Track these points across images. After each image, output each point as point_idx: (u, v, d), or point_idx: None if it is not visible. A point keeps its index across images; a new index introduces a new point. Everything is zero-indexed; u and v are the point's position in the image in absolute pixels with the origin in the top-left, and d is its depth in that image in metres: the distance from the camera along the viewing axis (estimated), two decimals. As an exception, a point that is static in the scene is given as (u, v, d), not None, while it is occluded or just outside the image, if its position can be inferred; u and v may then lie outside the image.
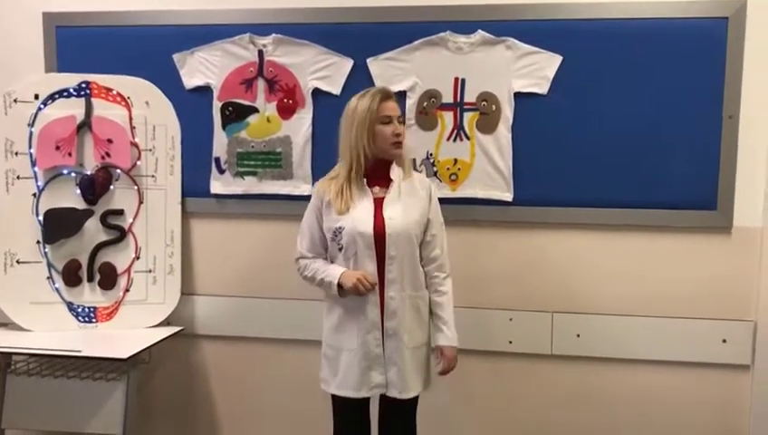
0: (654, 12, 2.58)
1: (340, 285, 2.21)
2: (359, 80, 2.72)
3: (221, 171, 2.89)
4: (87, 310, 2.82)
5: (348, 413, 2.35)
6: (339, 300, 2.27)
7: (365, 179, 2.28)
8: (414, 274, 2.28)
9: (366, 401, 2.32)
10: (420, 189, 2.32)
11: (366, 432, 2.43)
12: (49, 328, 2.76)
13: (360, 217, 2.23)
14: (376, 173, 2.29)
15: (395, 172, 2.31)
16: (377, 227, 2.22)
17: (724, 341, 2.67)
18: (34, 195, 2.76)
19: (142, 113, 2.83)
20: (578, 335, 2.75)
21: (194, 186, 2.91)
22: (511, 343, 2.80)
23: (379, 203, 2.26)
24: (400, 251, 2.23)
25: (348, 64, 2.77)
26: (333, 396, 2.34)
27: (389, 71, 2.75)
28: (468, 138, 2.73)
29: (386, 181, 2.29)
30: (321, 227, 2.32)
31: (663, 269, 2.69)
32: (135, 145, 2.82)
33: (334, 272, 2.24)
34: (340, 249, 2.26)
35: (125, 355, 2.45)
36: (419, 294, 2.31)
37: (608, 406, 2.78)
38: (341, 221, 2.23)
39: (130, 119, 2.81)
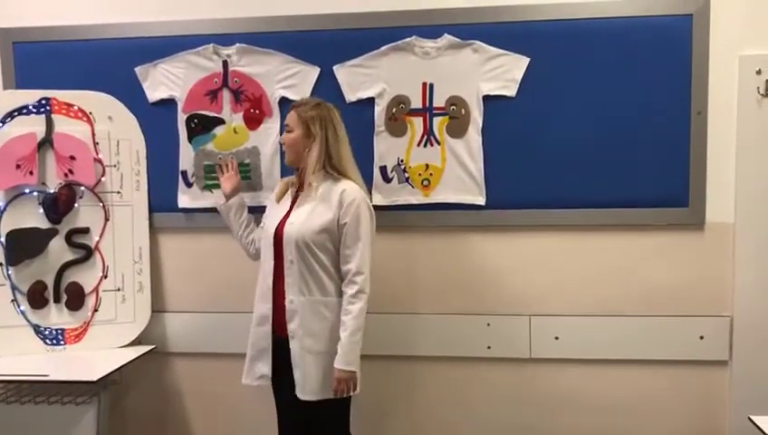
0: (619, 11, 2.58)
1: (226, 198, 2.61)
2: (326, 88, 2.70)
3: (188, 185, 2.84)
4: (54, 332, 2.74)
5: (278, 404, 2.47)
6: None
7: (297, 185, 2.42)
8: (316, 279, 2.29)
9: (299, 401, 2.30)
10: (334, 198, 2.29)
11: (305, 425, 2.40)
12: (15, 352, 2.67)
13: (272, 218, 2.40)
14: (302, 178, 2.39)
15: (317, 178, 2.32)
16: (278, 230, 2.33)
17: (702, 337, 2.67)
18: (-4, 216, 2.69)
19: (105, 128, 2.77)
20: (556, 338, 2.73)
21: (161, 201, 2.85)
22: (489, 348, 2.77)
23: (293, 206, 2.37)
24: (295, 257, 2.27)
25: (314, 72, 2.73)
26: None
27: (357, 78, 2.72)
28: (439, 142, 2.71)
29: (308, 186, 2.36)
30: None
31: (637, 268, 2.69)
32: (99, 161, 2.76)
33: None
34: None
35: (95, 377, 2.39)
36: (325, 299, 2.30)
37: (589, 408, 2.77)
38: (264, 219, 2.48)
39: (93, 134, 2.75)
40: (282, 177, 2.75)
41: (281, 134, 2.73)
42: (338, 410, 2.36)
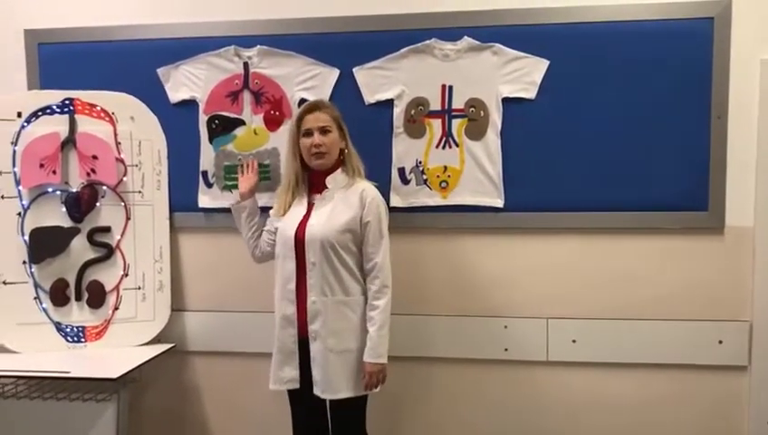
0: (639, 14, 2.58)
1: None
2: (345, 89, 2.72)
3: (209, 185, 2.86)
4: (76, 330, 2.77)
5: (294, 409, 2.46)
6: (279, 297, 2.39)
7: (306, 187, 2.42)
8: (339, 280, 2.30)
9: (318, 399, 2.34)
10: (354, 197, 2.33)
11: (321, 431, 2.44)
12: (37, 349, 2.71)
13: (289, 220, 2.37)
14: (315, 181, 2.40)
15: (333, 180, 2.36)
16: (299, 232, 2.32)
17: (720, 342, 2.65)
18: (19, 214, 2.72)
19: (127, 129, 2.80)
20: (574, 341, 2.73)
21: (181, 200, 2.88)
22: (506, 350, 2.77)
23: (311, 209, 2.35)
24: (318, 257, 2.28)
25: (334, 74, 2.75)
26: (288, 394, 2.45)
27: (376, 80, 2.73)
28: (457, 144, 2.72)
29: (324, 189, 2.38)
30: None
31: (656, 271, 2.67)
32: (121, 161, 2.79)
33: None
34: (277, 250, 2.41)
35: (115, 375, 2.41)
36: (347, 299, 2.32)
37: (606, 411, 2.76)
38: (278, 222, 2.42)
39: (115, 134, 2.79)
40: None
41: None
42: (357, 409, 2.38)
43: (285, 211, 2.40)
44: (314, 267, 2.29)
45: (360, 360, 2.32)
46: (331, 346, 2.29)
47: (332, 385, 2.30)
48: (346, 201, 2.33)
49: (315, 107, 2.38)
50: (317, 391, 2.32)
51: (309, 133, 2.34)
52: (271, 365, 2.42)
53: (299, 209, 2.39)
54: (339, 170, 2.39)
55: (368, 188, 2.36)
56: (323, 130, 2.33)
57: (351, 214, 2.30)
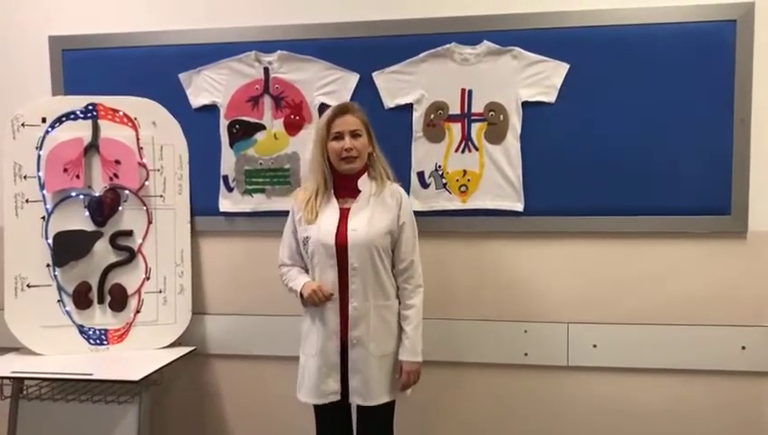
0: (659, 17, 2.56)
1: (302, 295, 2.31)
2: (365, 94, 2.72)
3: (229, 189, 2.88)
4: (98, 332, 2.80)
5: (324, 420, 2.40)
6: (307, 307, 2.35)
7: (332, 191, 2.34)
8: (380, 284, 2.30)
9: (344, 408, 2.35)
10: (390, 199, 2.33)
11: None
12: (60, 352, 2.74)
13: (324, 227, 2.29)
14: (343, 185, 2.34)
15: (365, 183, 2.34)
16: (339, 238, 2.26)
17: (743, 347, 2.62)
18: (43, 218, 2.76)
19: (149, 133, 2.83)
20: (594, 346, 2.71)
21: (202, 204, 2.90)
22: (526, 355, 2.76)
23: (345, 214, 2.30)
24: (363, 262, 2.25)
25: (354, 79, 2.76)
26: (315, 404, 2.37)
27: (395, 84, 2.74)
28: (477, 148, 2.72)
29: (355, 192, 2.33)
30: (296, 237, 2.40)
31: (679, 276, 2.65)
32: (143, 165, 2.82)
33: (299, 281, 2.34)
34: (310, 258, 2.34)
35: (137, 377, 2.44)
36: (387, 303, 2.32)
37: (626, 417, 2.74)
38: (309, 231, 2.32)
39: (138, 139, 2.81)
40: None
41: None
42: (389, 414, 2.37)
43: (317, 216, 2.31)
44: (356, 273, 2.25)
45: (394, 362, 2.33)
46: (373, 351, 2.28)
47: (372, 391, 2.28)
48: (383, 204, 2.31)
49: (346, 110, 2.32)
50: (356, 400, 2.30)
51: (339, 137, 2.27)
52: (303, 377, 2.36)
53: (331, 214, 2.31)
54: (365, 174, 2.36)
55: (398, 189, 2.37)
56: (354, 134, 2.28)
57: (391, 216, 2.30)
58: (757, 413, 2.66)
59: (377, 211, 2.30)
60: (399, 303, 2.36)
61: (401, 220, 2.32)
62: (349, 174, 2.32)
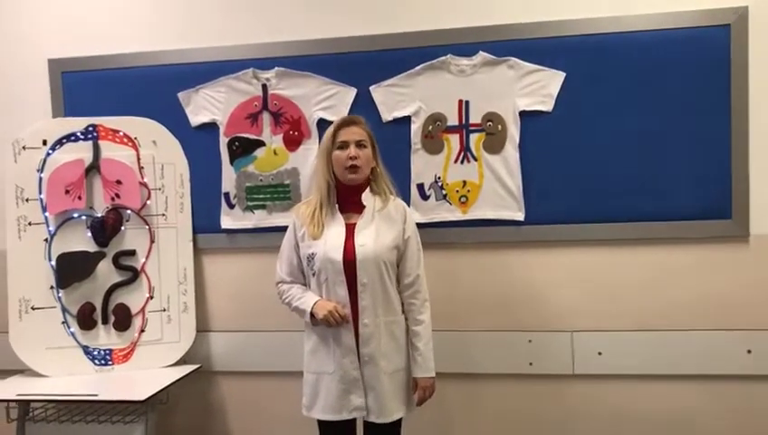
0: (654, 23, 2.57)
1: (313, 314, 2.25)
2: (363, 108, 2.73)
3: (231, 206, 2.89)
4: (103, 353, 2.81)
5: (325, 430, 2.37)
6: (316, 325, 2.30)
7: (336, 206, 2.31)
8: (388, 299, 2.28)
9: (349, 425, 2.34)
10: (395, 214, 2.32)
11: None
12: (66, 373, 2.75)
13: (331, 243, 2.25)
14: (347, 199, 2.32)
15: (368, 198, 2.32)
16: (347, 254, 2.23)
17: (749, 351, 2.61)
18: (46, 240, 2.77)
19: (150, 153, 2.84)
20: (599, 353, 2.70)
21: (204, 222, 2.91)
22: (531, 364, 2.75)
23: (351, 229, 2.28)
24: (372, 278, 2.24)
25: (351, 93, 2.78)
26: (318, 421, 2.35)
27: (393, 97, 2.75)
28: (476, 159, 2.72)
29: (358, 207, 2.31)
30: (298, 253, 2.36)
31: (682, 282, 2.65)
32: (144, 185, 2.83)
33: (309, 300, 2.29)
34: (314, 274, 2.30)
35: (142, 397, 2.44)
36: (395, 319, 2.31)
37: (633, 424, 2.73)
38: (314, 247, 2.28)
39: (138, 159, 2.83)
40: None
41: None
42: (397, 429, 2.36)
43: (322, 232, 2.28)
44: (365, 289, 2.23)
45: (406, 378, 2.32)
46: (384, 367, 2.26)
47: (386, 408, 2.26)
48: (388, 219, 2.30)
49: (351, 121, 2.33)
50: (371, 417, 2.27)
51: (344, 146, 2.26)
52: (317, 395, 2.31)
53: (336, 230, 2.28)
54: (368, 189, 2.34)
55: (400, 204, 2.37)
56: (359, 144, 2.27)
57: (396, 230, 2.30)
58: (764, 417, 2.65)
59: (383, 226, 2.29)
60: (406, 318, 2.35)
61: (406, 234, 2.31)
62: (352, 184, 2.29)
